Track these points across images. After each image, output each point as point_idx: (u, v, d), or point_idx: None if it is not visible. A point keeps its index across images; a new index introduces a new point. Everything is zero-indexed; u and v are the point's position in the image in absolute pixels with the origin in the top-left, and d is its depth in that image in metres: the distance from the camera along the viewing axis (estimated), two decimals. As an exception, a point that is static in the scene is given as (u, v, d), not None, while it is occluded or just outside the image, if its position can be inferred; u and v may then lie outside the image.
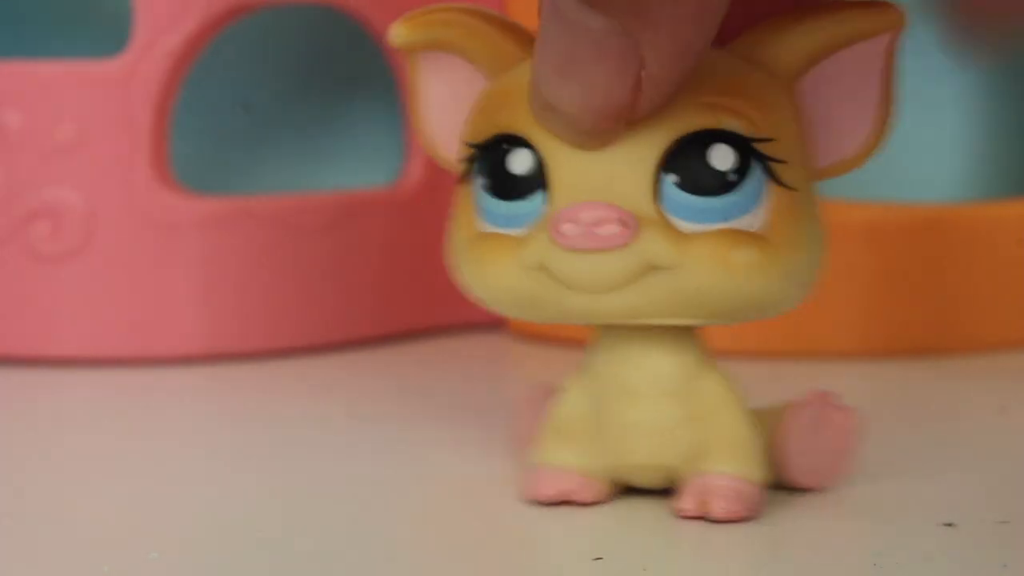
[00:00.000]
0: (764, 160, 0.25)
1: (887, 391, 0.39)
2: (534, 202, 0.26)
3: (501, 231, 0.26)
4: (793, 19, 0.26)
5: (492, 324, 0.45)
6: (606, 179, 0.25)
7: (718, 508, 0.26)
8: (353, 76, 0.49)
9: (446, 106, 0.28)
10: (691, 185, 0.25)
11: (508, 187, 0.26)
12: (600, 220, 0.25)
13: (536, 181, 0.26)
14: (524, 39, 0.27)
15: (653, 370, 0.26)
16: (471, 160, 0.26)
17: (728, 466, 0.26)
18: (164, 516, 0.27)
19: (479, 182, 0.26)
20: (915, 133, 0.49)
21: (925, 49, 0.49)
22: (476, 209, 0.26)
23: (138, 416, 0.36)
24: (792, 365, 0.41)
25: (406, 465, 0.30)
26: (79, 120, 0.40)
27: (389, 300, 0.44)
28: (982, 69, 0.50)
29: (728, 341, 0.41)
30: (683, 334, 0.27)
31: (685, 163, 0.25)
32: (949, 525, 0.26)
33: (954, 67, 0.50)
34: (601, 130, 0.25)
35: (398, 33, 0.27)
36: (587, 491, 0.27)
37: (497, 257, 0.26)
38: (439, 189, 0.44)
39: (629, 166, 0.25)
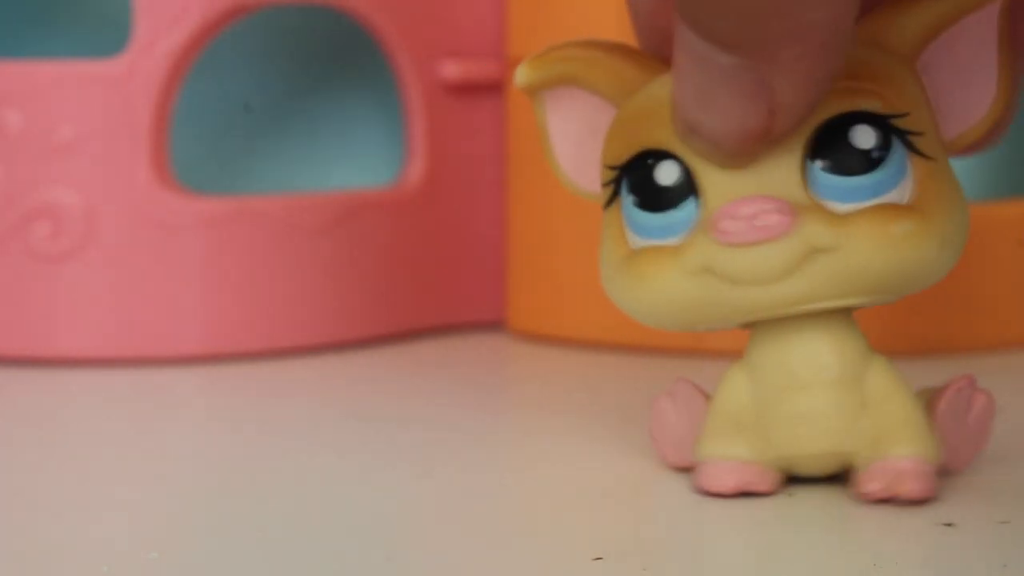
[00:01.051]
0: (903, 134, 0.26)
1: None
2: (687, 209, 0.27)
3: (657, 243, 0.27)
4: (902, 3, 0.27)
5: (492, 324, 0.45)
6: (756, 175, 0.26)
7: (907, 489, 0.26)
8: (353, 76, 0.49)
9: (580, 140, 0.29)
10: (839, 167, 0.26)
11: (659, 199, 0.27)
12: (759, 212, 0.26)
13: (686, 189, 0.27)
14: (643, 62, 0.28)
15: (819, 358, 0.27)
16: (615, 182, 0.27)
17: (910, 448, 0.27)
18: (164, 516, 0.27)
19: (628, 200, 0.27)
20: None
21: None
22: (627, 227, 0.27)
23: (138, 416, 0.36)
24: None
25: (407, 466, 0.30)
26: (79, 120, 0.40)
27: (389, 300, 0.44)
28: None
29: (729, 341, 0.42)
30: (844, 321, 0.27)
31: (830, 147, 0.26)
32: (949, 525, 0.26)
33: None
34: (743, 151, 0.26)
35: (524, 75, 0.28)
36: (765, 481, 0.27)
37: (658, 268, 0.27)
38: (439, 189, 0.44)
39: (777, 158, 0.26)
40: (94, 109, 0.40)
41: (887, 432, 0.27)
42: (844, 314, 0.27)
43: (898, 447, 0.27)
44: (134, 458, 0.32)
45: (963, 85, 0.28)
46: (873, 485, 0.27)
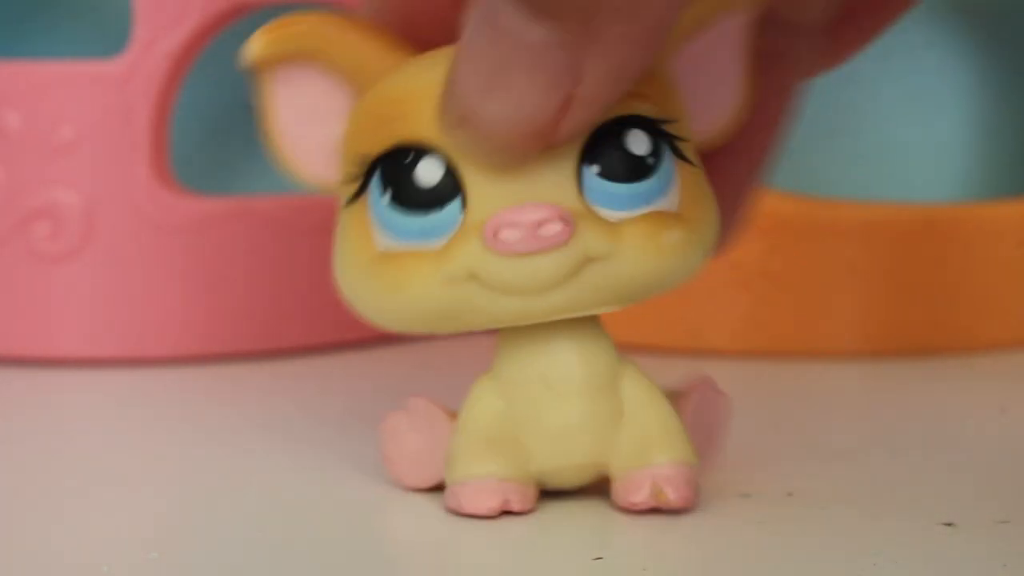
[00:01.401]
0: (672, 140, 0.26)
1: (887, 391, 0.39)
2: (449, 211, 0.25)
3: (411, 246, 0.25)
4: None
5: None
6: (527, 179, 0.25)
7: (674, 496, 0.26)
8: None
9: (306, 123, 0.27)
10: (613, 173, 0.25)
11: (418, 199, 0.25)
12: (543, 220, 0.24)
13: (449, 190, 0.25)
14: (389, 43, 0.26)
15: (572, 367, 0.26)
16: (365, 176, 0.25)
17: (671, 455, 0.26)
18: (164, 516, 0.27)
19: (380, 197, 0.25)
20: (915, 133, 0.49)
21: (925, 49, 0.49)
22: (376, 226, 0.25)
23: (137, 416, 0.36)
24: (792, 365, 0.41)
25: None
26: (79, 120, 0.40)
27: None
28: (982, 69, 0.50)
29: (727, 341, 0.42)
30: (596, 328, 0.26)
31: (605, 152, 0.25)
32: (949, 525, 0.26)
33: (954, 67, 0.50)
34: (517, 150, 0.24)
35: (255, 48, 0.26)
36: (523, 499, 0.26)
37: (415, 275, 0.25)
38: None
39: (550, 163, 0.25)
40: (94, 109, 0.40)
41: (646, 440, 0.26)
42: (593, 320, 0.26)
43: (659, 454, 0.26)
44: (134, 458, 0.32)
45: (708, 91, 0.27)
46: (639, 495, 0.26)
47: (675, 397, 0.28)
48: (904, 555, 0.24)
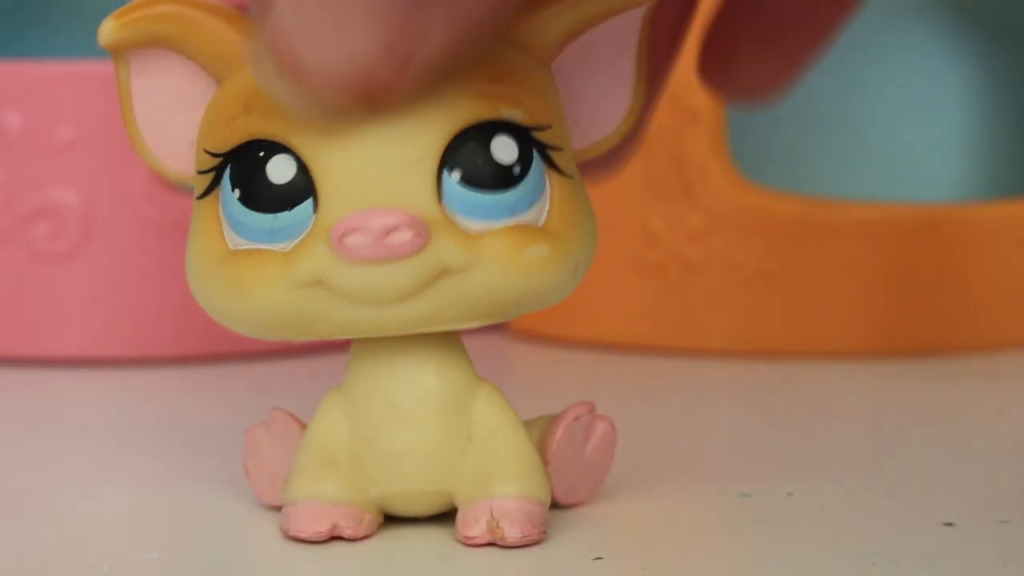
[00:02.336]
0: (543, 149, 0.24)
1: (887, 391, 0.39)
2: (300, 212, 0.24)
3: (261, 246, 0.24)
4: None
5: (493, 324, 0.45)
6: (383, 181, 0.23)
7: (511, 533, 0.24)
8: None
9: (167, 111, 0.25)
10: (476, 181, 0.24)
11: (268, 198, 0.24)
12: (391, 227, 0.23)
13: (301, 189, 0.23)
14: (252, 30, 0.24)
15: (423, 387, 0.25)
16: (216, 170, 0.24)
17: (515, 487, 0.24)
18: (164, 516, 0.27)
19: (230, 194, 0.24)
20: (915, 133, 0.49)
21: (925, 49, 0.49)
22: (226, 223, 0.24)
23: (137, 416, 0.36)
24: (792, 365, 0.41)
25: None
26: (79, 120, 0.40)
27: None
28: (982, 69, 0.50)
29: (727, 341, 0.42)
30: (452, 345, 0.25)
31: (468, 158, 0.24)
32: (949, 525, 0.26)
33: (954, 67, 0.50)
34: (343, 108, 0.22)
35: (108, 31, 0.24)
36: (357, 525, 0.25)
37: (259, 275, 0.24)
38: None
39: (408, 165, 0.23)
40: (94, 109, 0.40)
41: (491, 469, 0.25)
42: (451, 336, 0.25)
43: (501, 486, 0.24)
44: (134, 458, 0.32)
45: (597, 93, 0.25)
46: (474, 528, 0.24)
47: (550, 423, 0.26)
48: (904, 555, 0.24)
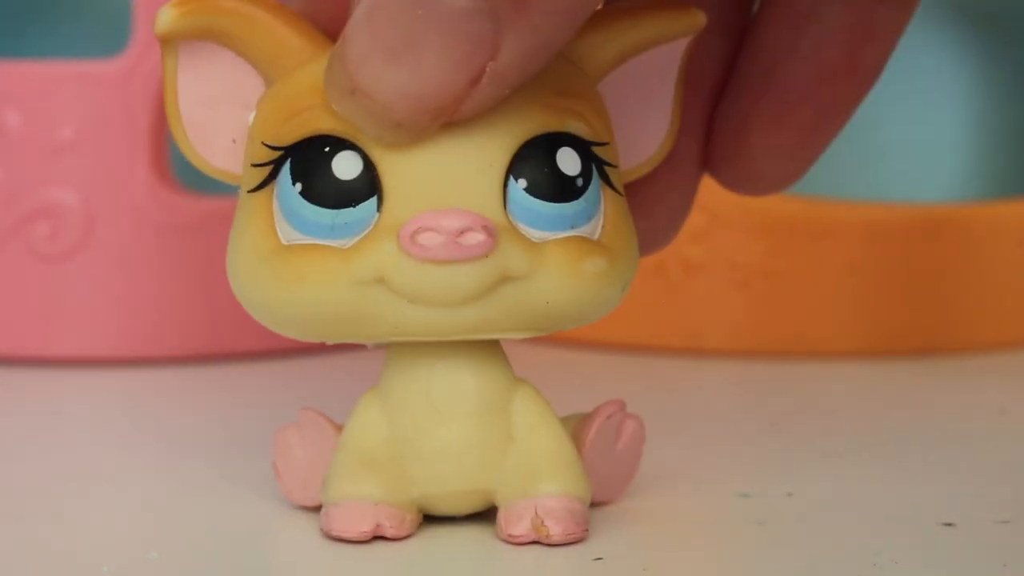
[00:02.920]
0: (601, 164, 0.24)
1: (887, 391, 0.39)
2: (364, 210, 0.23)
3: (319, 241, 0.24)
4: (601, 20, 0.25)
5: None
6: (451, 184, 0.23)
7: (556, 531, 0.24)
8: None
9: (212, 105, 0.25)
10: (542, 191, 0.24)
11: (333, 194, 0.23)
12: (464, 228, 0.23)
13: (366, 186, 0.23)
14: (309, 32, 0.24)
15: (465, 388, 0.25)
16: (273, 163, 0.24)
17: (558, 486, 0.25)
18: (164, 516, 0.27)
19: (290, 188, 0.24)
20: (915, 133, 0.49)
21: (925, 49, 0.49)
22: (281, 217, 0.24)
23: (137, 416, 0.36)
24: (792, 365, 0.41)
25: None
26: (79, 120, 0.40)
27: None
28: (982, 69, 0.50)
29: (727, 341, 0.42)
30: (493, 348, 0.25)
31: (534, 167, 0.24)
32: (949, 525, 0.26)
33: (954, 67, 0.50)
34: (413, 125, 0.23)
35: (168, 20, 0.24)
36: (399, 524, 0.25)
37: (318, 270, 0.23)
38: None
39: (476, 171, 0.23)
40: (94, 109, 0.40)
41: (533, 468, 0.25)
42: (492, 340, 0.25)
43: (544, 484, 0.24)
44: (134, 458, 0.32)
45: (636, 118, 0.26)
46: (519, 527, 0.24)
47: (581, 422, 0.26)
48: (904, 555, 0.24)
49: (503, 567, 0.24)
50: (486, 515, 0.25)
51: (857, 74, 0.27)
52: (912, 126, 0.50)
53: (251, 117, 0.25)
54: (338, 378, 0.40)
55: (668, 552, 0.25)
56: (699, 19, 0.25)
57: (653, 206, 0.27)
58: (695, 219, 0.41)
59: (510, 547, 0.25)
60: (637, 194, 0.27)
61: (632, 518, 0.26)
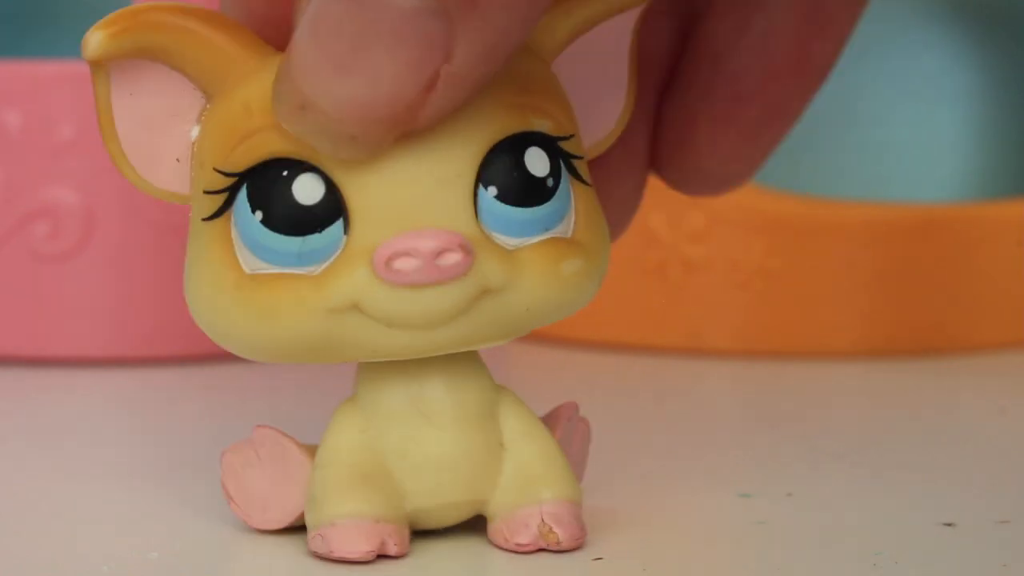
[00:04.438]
0: (568, 159, 0.24)
1: (887, 391, 0.39)
2: (331, 234, 0.22)
3: (286, 270, 0.23)
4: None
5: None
6: (419, 201, 0.22)
7: (564, 537, 0.24)
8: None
9: (152, 126, 0.24)
10: (512, 196, 0.23)
11: (295, 220, 0.22)
12: (442, 249, 0.22)
13: (330, 209, 0.22)
14: (252, 43, 0.23)
15: (456, 397, 0.24)
16: (228, 190, 0.23)
17: (559, 491, 0.24)
18: (164, 516, 0.27)
19: (249, 216, 0.23)
20: (915, 133, 0.49)
21: (925, 49, 0.49)
22: (242, 246, 0.23)
23: (138, 416, 0.36)
24: (792, 365, 0.41)
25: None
26: (79, 120, 0.40)
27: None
28: (982, 69, 0.50)
29: (727, 341, 0.42)
30: (473, 355, 0.24)
31: (504, 173, 0.23)
32: (949, 525, 0.26)
33: (954, 67, 0.50)
34: (369, 138, 0.22)
35: (97, 43, 0.22)
36: (402, 541, 0.24)
37: (288, 301, 0.22)
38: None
39: (443, 182, 0.22)
40: (94, 109, 0.40)
41: (530, 474, 0.24)
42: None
43: (544, 491, 0.24)
44: (134, 458, 0.32)
45: (591, 95, 0.25)
46: (525, 535, 0.24)
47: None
48: (904, 555, 0.24)
49: (507, 572, 0.24)
50: (471, 524, 0.25)
51: (807, 69, 0.26)
52: (912, 126, 0.50)
53: (194, 133, 0.24)
54: (337, 378, 0.40)
55: (668, 552, 0.25)
56: None
57: (607, 194, 0.26)
58: (695, 219, 0.41)
59: (505, 553, 0.24)
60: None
61: (632, 518, 0.26)
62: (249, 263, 0.23)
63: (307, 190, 0.22)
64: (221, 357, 0.41)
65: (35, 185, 0.40)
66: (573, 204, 0.24)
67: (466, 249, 0.22)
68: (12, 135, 0.40)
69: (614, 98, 0.25)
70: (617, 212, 0.27)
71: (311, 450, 0.25)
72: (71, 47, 0.47)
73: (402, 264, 0.22)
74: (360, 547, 0.23)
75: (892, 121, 0.49)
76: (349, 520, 0.23)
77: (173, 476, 0.30)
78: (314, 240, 0.22)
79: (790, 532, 0.26)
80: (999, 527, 0.26)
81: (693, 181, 0.27)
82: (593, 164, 0.25)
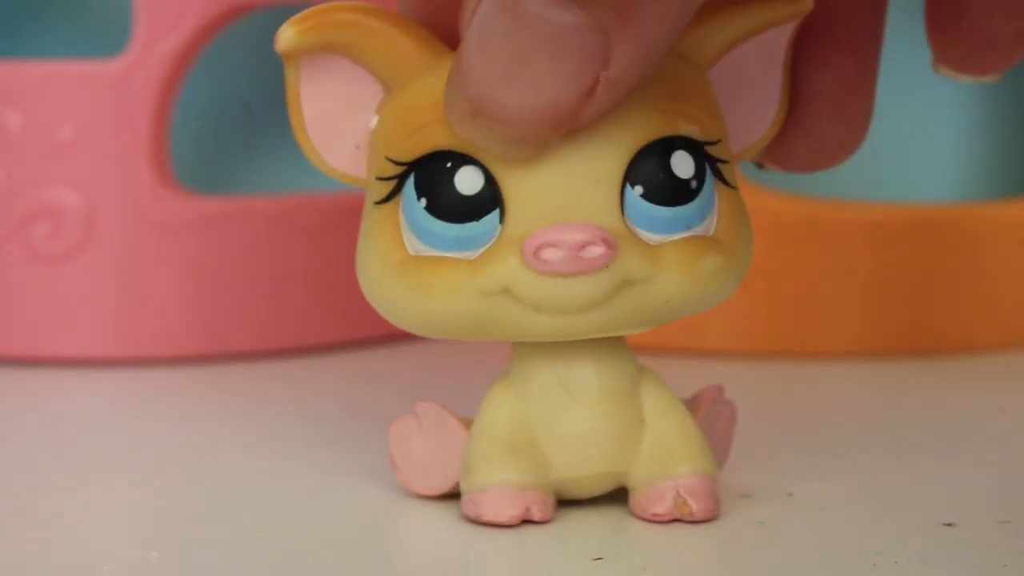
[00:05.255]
0: (714, 163, 0.25)
1: (887, 391, 0.39)
2: (487, 223, 0.24)
3: (445, 254, 0.25)
4: (709, 12, 0.26)
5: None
6: (571, 196, 0.24)
7: (698, 508, 0.26)
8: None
9: (335, 114, 0.26)
10: (658, 196, 0.25)
11: (457, 209, 0.24)
12: (585, 242, 0.24)
13: (488, 200, 0.24)
14: (426, 40, 0.25)
15: (600, 378, 0.26)
16: (397, 177, 0.25)
17: (695, 465, 0.26)
18: (164, 516, 0.27)
19: (415, 202, 0.25)
20: (915, 133, 0.49)
21: (925, 49, 0.49)
22: (407, 229, 0.25)
23: (137, 416, 0.36)
24: (792, 365, 0.41)
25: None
26: (79, 120, 0.40)
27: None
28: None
29: (727, 341, 0.42)
30: (619, 340, 0.26)
31: (650, 174, 0.25)
32: (949, 525, 0.26)
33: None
34: (535, 139, 0.24)
35: (288, 38, 0.25)
36: (546, 508, 0.26)
37: (446, 283, 0.24)
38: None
39: (594, 181, 0.24)
40: (94, 109, 0.40)
41: (668, 449, 0.26)
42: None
43: (681, 465, 0.26)
44: (134, 458, 0.32)
45: (746, 102, 0.27)
46: (661, 506, 0.26)
47: (687, 406, 0.27)
48: (904, 555, 0.24)
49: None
50: (614, 495, 0.26)
51: None
52: (912, 126, 0.50)
53: (373, 122, 0.26)
54: (337, 378, 0.40)
55: (668, 552, 0.25)
56: (806, 4, 0.26)
57: (840, 108, 0.27)
58: (695, 219, 0.41)
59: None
60: (828, 96, 0.27)
61: (632, 518, 0.26)
62: (413, 245, 0.25)
63: (468, 181, 0.24)
64: (221, 357, 0.41)
65: (35, 185, 0.40)
66: (716, 205, 0.25)
67: (609, 243, 0.24)
68: (12, 135, 0.40)
69: (767, 106, 0.27)
70: (862, 117, 0.28)
71: (468, 423, 0.27)
72: (71, 47, 0.47)
73: (549, 254, 0.24)
74: (507, 512, 0.25)
75: (892, 121, 0.49)
76: (498, 487, 0.26)
77: (172, 476, 0.30)
78: (471, 227, 0.25)
79: (790, 532, 0.26)
80: (999, 527, 0.26)
81: (791, 163, 0.28)
82: (831, 78, 0.26)
